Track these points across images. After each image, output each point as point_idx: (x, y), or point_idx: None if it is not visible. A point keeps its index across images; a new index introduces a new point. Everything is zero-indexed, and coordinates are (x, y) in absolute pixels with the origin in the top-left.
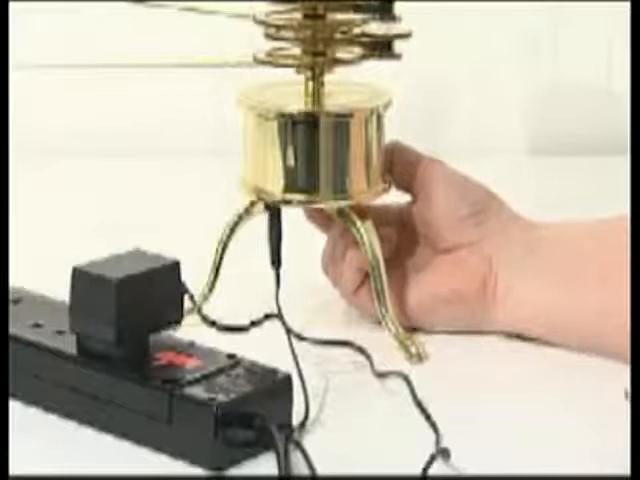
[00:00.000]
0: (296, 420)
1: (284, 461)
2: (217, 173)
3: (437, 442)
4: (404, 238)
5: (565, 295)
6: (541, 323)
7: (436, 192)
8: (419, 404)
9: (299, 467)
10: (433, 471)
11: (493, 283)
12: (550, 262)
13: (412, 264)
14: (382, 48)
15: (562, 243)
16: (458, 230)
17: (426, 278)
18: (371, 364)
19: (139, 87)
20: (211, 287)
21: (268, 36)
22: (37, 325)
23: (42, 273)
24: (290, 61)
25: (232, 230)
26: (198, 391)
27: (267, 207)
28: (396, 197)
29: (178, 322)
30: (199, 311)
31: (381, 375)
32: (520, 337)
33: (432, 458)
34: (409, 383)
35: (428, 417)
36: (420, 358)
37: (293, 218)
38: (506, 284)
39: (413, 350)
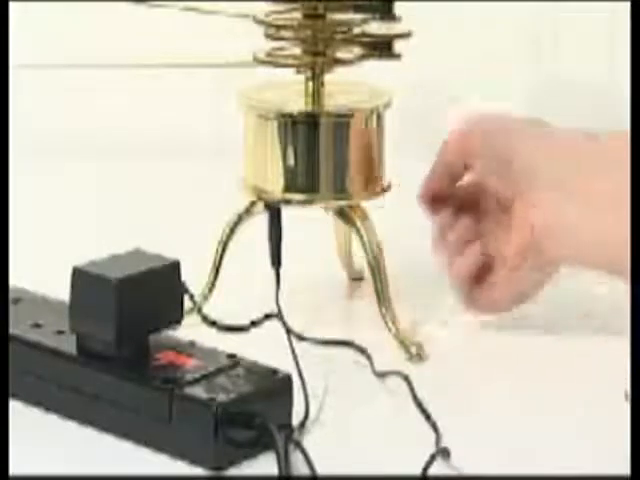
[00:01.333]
0: (296, 420)
1: (284, 461)
2: (217, 173)
3: (437, 442)
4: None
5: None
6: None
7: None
8: (419, 404)
9: (299, 467)
10: (433, 471)
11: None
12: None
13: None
14: (382, 48)
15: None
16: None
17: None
18: (371, 364)
19: (139, 87)
20: (211, 287)
21: (268, 36)
22: (37, 325)
23: (42, 273)
24: (290, 61)
25: (232, 230)
26: (198, 391)
27: (267, 207)
28: (396, 197)
29: (178, 322)
30: (199, 311)
31: (381, 375)
32: (520, 336)
33: (432, 458)
34: (409, 383)
35: (428, 417)
36: (420, 358)
37: (293, 218)
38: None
39: (413, 350)
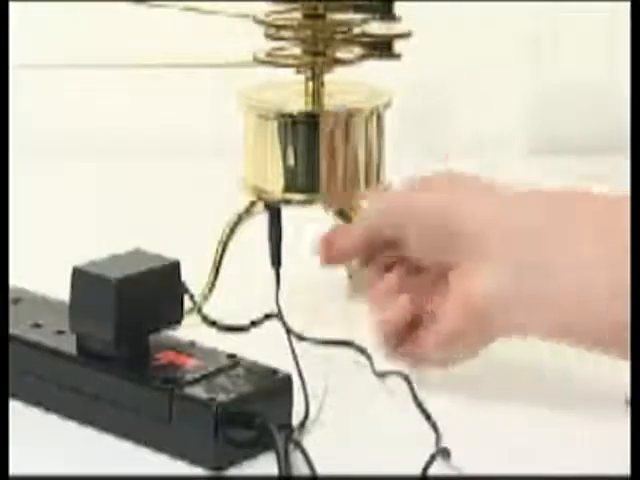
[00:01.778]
0: (296, 420)
1: (284, 461)
2: (217, 173)
3: (437, 442)
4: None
5: None
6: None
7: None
8: (419, 404)
9: (299, 467)
10: (433, 471)
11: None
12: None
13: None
14: (382, 48)
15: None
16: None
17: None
18: (371, 364)
19: (139, 87)
20: (211, 287)
21: (268, 36)
22: (37, 325)
23: (42, 273)
24: (290, 61)
25: (232, 230)
26: (198, 391)
27: (267, 207)
28: None
29: (178, 322)
30: (199, 311)
31: (381, 375)
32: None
33: (432, 458)
34: (409, 383)
35: (428, 417)
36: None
37: (293, 218)
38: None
39: None
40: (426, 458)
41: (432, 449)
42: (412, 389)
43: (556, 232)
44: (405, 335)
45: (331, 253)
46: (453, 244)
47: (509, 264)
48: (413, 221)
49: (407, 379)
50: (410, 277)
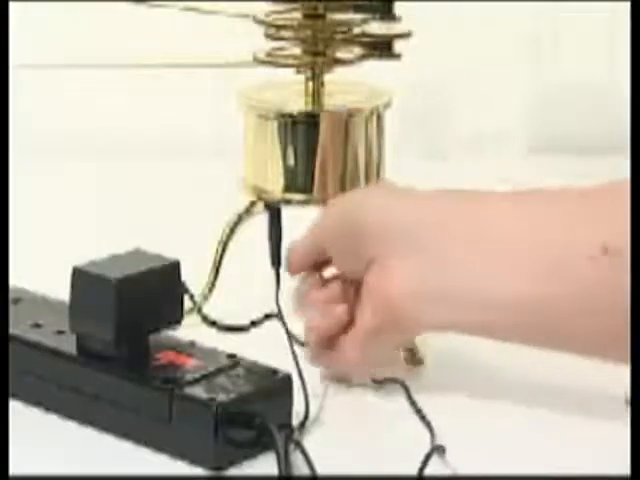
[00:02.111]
0: (296, 420)
1: (284, 461)
2: (217, 173)
3: (432, 440)
4: None
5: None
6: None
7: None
8: (418, 410)
9: (299, 467)
10: (432, 471)
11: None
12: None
13: None
14: (382, 48)
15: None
16: None
17: None
18: None
19: (139, 87)
20: (211, 287)
21: (268, 36)
22: (37, 325)
23: (42, 273)
24: (290, 61)
25: (232, 230)
26: (198, 391)
27: (267, 207)
28: None
29: (178, 322)
30: (199, 311)
31: (378, 382)
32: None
33: (427, 456)
34: (406, 389)
35: (423, 417)
36: (420, 362)
37: (293, 218)
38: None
39: (415, 356)
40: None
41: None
42: (407, 391)
43: (463, 226)
44: (332, 342)
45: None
46: (364, 247)
47: (418, 260)
48: (327, 235)
49: (403, 385)
50: (351, 287)
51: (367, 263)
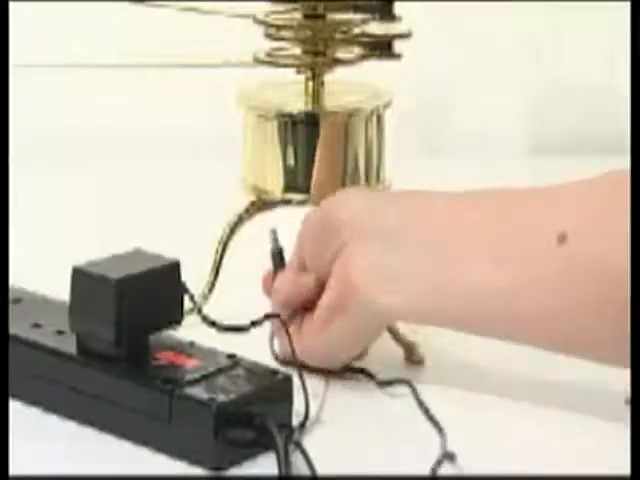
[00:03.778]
0: (296, 420)
1: (284, 461)
2: (217, 173)
3: (442, 445)
4: None
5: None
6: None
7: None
8: (427, 412)
9: (299, 467)
10: (426, 470)
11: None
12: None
13: None
14: (382, 48)
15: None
16: None
17: None
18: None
19: (139, 87)
20: (211, 287)
21: (268, 36)
22: (37, 325)
23: (42, 273)
24: (290, 61)
25: (232, 230)
26: (198, 391)
27: (273, 256)
28: None
29: (178, 322)
30: (199, 311)
31: (385, 383)
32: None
33: (439, 462)
34: (413, 390)
35: (431, 418)
36: (421, 362)
37: (293, 218)
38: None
39: (415, 355)
40: (425, 457)
41: (432, 449)
42: (415, 391)
43: (426, 216)
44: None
45: (267, 290)
46: (333, 238)
47: (378, 243)
48: (304, 238)
49: (410, 384)
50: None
51: (335, 253)
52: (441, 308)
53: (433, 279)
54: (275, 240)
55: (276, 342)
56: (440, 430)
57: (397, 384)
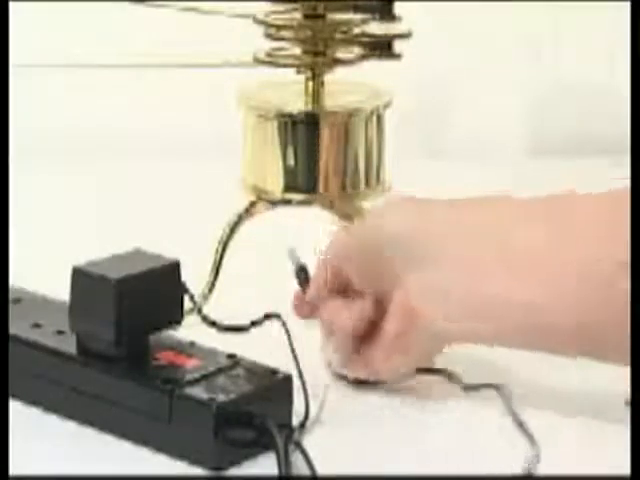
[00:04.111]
0: (296, 420)
1: (284, 461)
2: (217, 173)
3: (531, 447)
4: None
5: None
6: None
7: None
8: (516, 418)
9: (299, 467)
10: (430, 470)
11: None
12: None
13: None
14: (382, 48)
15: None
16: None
17: None
18: None
19: (139, 87)
20: (211, 287)
21: (268, 36)
22: (37, 325)
23: (42, 273)
24: (290, 61)
25: (232, 230)
26: (198, 391)
27: (298, 274)
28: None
29: (178, 322)
30: (199, 311)
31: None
32: None
33: (529, 465)
34: (506, 396)
35: (520, 424)
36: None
37: (295, 218)
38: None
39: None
40: (424, 456)
41: (431, 447)
42: (507, 397)
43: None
44: (359, 345)
45: (304, 312)
46: (385, 264)
47: (435, 269)
48: (347, 257)
49: (502, 390)
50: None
51: (391, 279)
52: (493, 328)
53: (490, 300)
54: (296, 258)
55: (329, 353)
56: (527, 434)
57: (484, 389)
